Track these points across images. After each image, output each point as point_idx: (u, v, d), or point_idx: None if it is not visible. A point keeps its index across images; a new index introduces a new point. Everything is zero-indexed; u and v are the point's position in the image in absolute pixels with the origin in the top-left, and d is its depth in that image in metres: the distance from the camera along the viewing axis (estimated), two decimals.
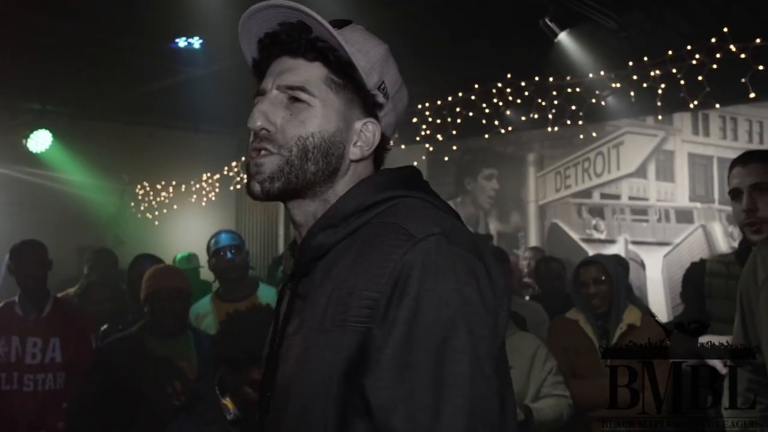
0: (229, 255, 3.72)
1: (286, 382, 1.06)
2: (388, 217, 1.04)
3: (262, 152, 1.10)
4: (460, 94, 5.97)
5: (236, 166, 8.03)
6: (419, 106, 6.21)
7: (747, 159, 2.23)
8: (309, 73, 1.10)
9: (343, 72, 1.10)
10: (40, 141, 6.89)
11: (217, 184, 8.18)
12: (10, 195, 6.84)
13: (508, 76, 5.59)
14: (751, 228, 2.18)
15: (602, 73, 5.19)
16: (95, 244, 6.04)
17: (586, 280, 3.16)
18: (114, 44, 5.29)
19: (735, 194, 2.22)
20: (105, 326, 3.82)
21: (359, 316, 0.97)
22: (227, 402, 2.09)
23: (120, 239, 7.50)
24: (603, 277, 3.14)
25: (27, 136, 6.85)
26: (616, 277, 3.15)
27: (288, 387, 1.04)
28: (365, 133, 1.13)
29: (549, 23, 4.04)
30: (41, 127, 6.89)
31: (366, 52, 1.11)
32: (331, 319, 1.00)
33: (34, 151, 6.93)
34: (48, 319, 3.51)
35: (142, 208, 8.25)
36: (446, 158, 7.21)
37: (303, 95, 1.09)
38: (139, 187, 8.24)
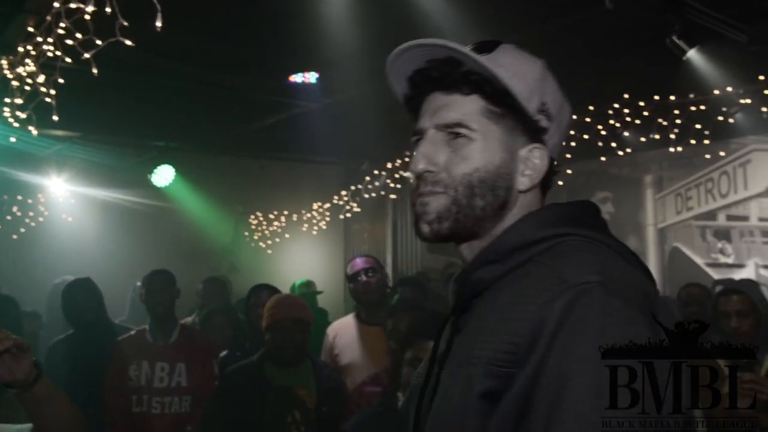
0: (363, 277, 3.74)
1: (432, 417, 1.06)
2: (548, 257, 0.98)
3: (429, 192, 1.06)
4: (575, 117, 5.79)
5: (345, 195, 8.16)
6: None
7: None
8: (465, 107, 1.06)
9: (502, 101, 1.05)
10: (163, 175, 7.33)
11: (327, 213, 8.34)
12: (136, 226, 7.24)
13: (625, 96, 5.38)
14: None
15: (730, 89, 4.88)
16: (212, 272, 6.26)
17: (728, 312, 2.83)
18: (231, 83, 5.52)
19: None
20: (224, 353, 3.93)
21: (498, 360, 0.94)
22: None
23: (235, 267, 7.77)
24: (747, 309, 2.79)
25: (152, 171, 7.30)
26: (764, 311, 2.83)
27: (433, 422, 1.05)
28: (532, 160, 1.08)
29: (677, 41, 3.78)
30: (165, 163, 7.33)
31: (522, 75, 1.05)
32: (475, 357, 0.97)
33: (158, 185, 7.36)
34: (175, 345, 3.69)
35: (255, 237, 8.53)
36: (560, 182, 7.00)
37: (463, 130, 1.05)
38: (252, 217, 8.54)
